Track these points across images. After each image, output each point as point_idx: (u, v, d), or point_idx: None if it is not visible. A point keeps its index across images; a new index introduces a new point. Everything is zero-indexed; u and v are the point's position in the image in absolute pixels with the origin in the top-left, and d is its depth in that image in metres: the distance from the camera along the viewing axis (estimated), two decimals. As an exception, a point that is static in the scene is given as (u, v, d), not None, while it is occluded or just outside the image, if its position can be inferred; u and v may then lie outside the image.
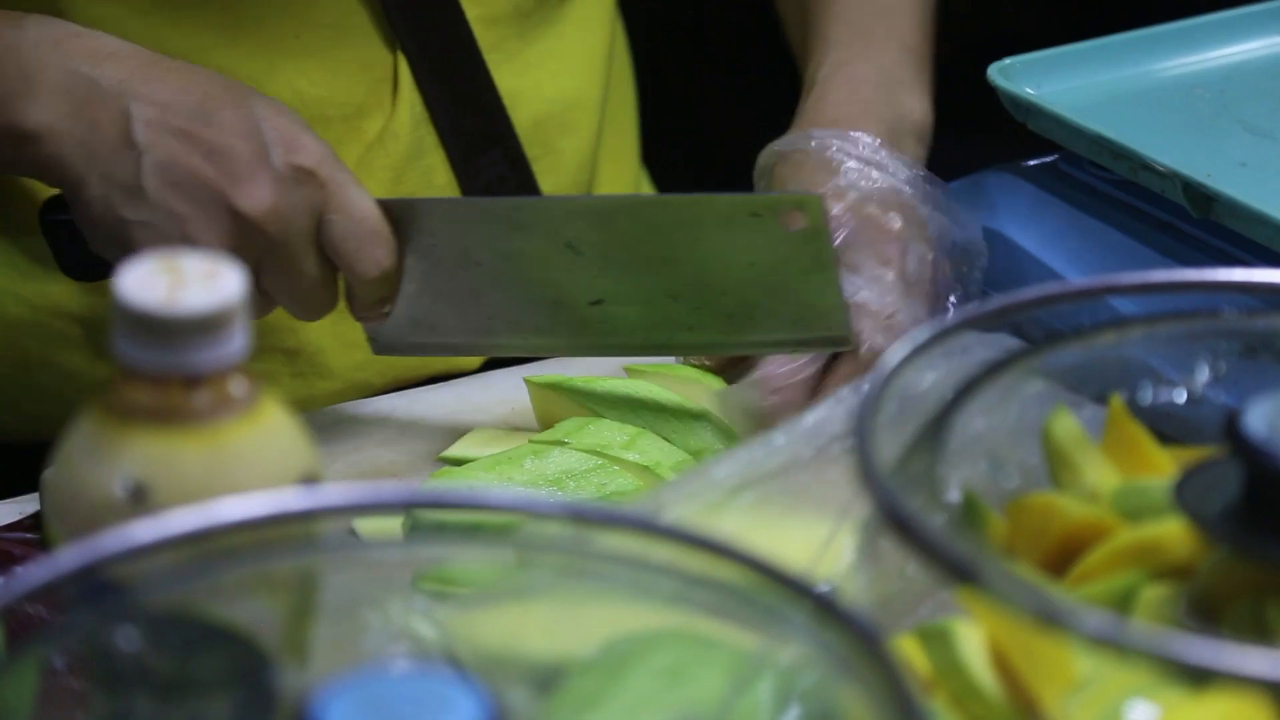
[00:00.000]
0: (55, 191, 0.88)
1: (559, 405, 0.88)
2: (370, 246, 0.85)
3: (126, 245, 0.84)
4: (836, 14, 0.97)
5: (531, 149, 0.99)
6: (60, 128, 0.83)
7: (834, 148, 0.90)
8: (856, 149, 0.90)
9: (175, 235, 0.83)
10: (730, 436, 0.88)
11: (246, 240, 0.83)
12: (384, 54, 0.95)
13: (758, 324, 0.88)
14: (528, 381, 0.89)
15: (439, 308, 0.89)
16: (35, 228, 0.90)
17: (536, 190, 0.99)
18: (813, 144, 0.91)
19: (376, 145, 0.96)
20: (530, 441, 0.87)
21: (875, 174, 0.90)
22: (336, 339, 0.98)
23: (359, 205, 0.85)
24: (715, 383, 0.90)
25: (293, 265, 0.84)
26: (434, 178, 0.98)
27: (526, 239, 0.87)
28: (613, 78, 1.06)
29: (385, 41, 0.95)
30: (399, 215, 0.87)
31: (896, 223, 0.89)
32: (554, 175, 1.01)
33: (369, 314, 0.89)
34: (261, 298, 0.86)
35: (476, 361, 1.00)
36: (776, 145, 0.92)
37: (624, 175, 1.08)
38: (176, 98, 0.84)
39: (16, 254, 0.97)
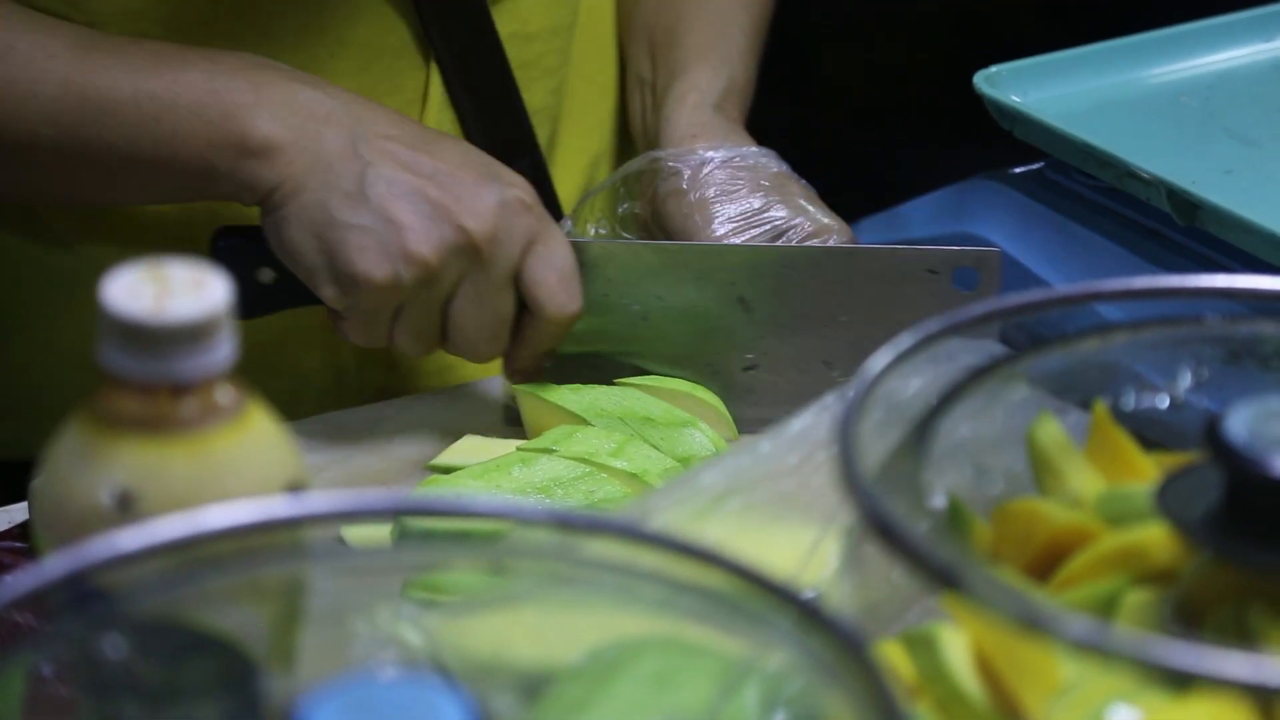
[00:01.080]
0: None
1: (547, 414, 0.89)
2: (567, 285, 0.88)
3: (334, 250, 0.85)
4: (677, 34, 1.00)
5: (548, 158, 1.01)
6: (287, 137, 0.85)
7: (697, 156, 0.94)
8: (698, 157, 0.94)
9: (390, 242, 0.85)
10: (719, 444, 0.88)
11: (459, 257, 0.85)
12: (416, 72, 0.96)
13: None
14: (516, 390, 0.90)
15: (585, 366, 0.91)
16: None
17: (557, 203, 1.01)
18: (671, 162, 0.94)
19: None
20: (518, 450, 0.87)
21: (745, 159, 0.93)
22: (358, 357, 0.98)
23: (563, 244, 0.88)
24: (706, 394, 0.90)
25: (491, 292, 0.86)
26: None
27: (700, 290, 0.89)
28: (618, 86, 1.07)
29: (420, 60, 0.96)
30: (584, 258, 0.89)
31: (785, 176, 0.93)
32: (565, 181, 1.02)
33: (529, 366, 0.90)
34: (435, 332, 0.87)
35: (485, 373, 1.00)
36: (632, 165, 0.96)
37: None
38: (396, 128, 0.87)
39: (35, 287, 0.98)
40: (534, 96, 0.99)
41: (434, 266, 0.85)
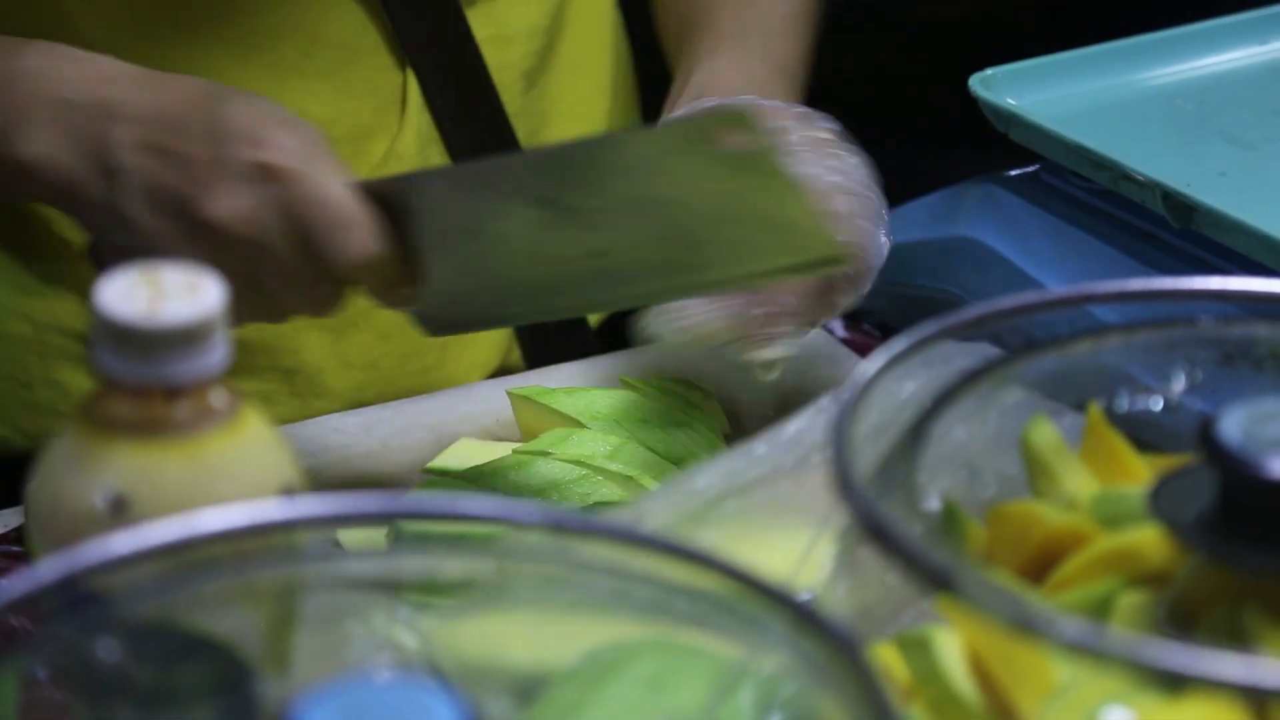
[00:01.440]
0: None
1: (542, 417, 0.89)
2: (343, 233, 0.81)
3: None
4: (713, 28, 0.98)
5: None
6: (55, 160, 0.83)
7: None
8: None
9: (163, 255, 0.81)
10: (715, 446, 0.88)
11: (227, 250, 0.81)
12: (393, 75, 0.95)
13: (752, 254, 0.86)
14: (510, 394, 0.90)
15: (459, 283, 0.87)
16: (38, 245, 0.90)
17: None
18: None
19: (381, 167, 0.96)
20: (514, 453, 0.87)
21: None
22: (336, 359, 0.98)
23: (327, 193, 0.81)
24: (700, 397, 0.90)
25: (282, 267, 0.81)
26: None
27: (510, 205, 0.85)
28: (617, 84, 1.06)
29: (395, 62, 0.95)
30: (389, 196, 0.83)
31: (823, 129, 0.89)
32: None
33: (392, 300, 0.86)
34: (271, 306, 0.84)
35: (469, 375, 1.00)
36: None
37: None
38: (154, 112, 0.83)
39: (19, 270, 0.97)
40: (513, 99, 0.99)
41: (213, 259, 0.77)
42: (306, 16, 0.93)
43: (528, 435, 0.89)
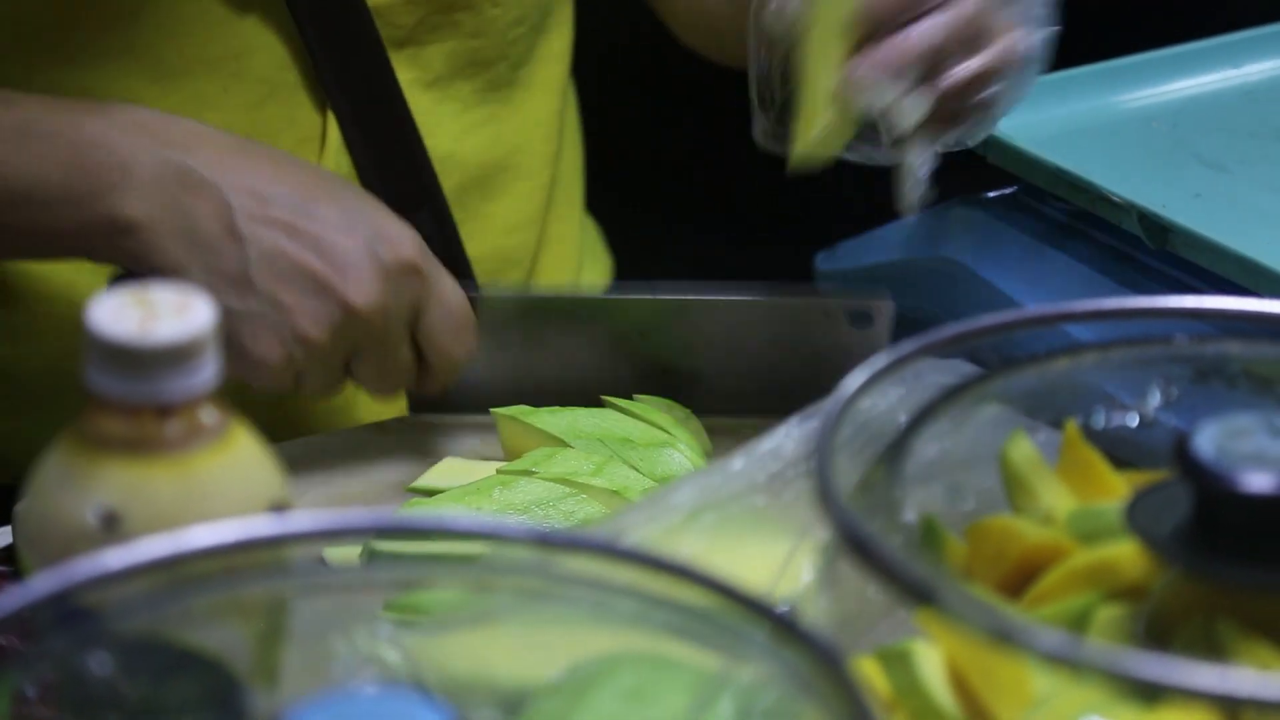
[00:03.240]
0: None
1: (526, 437, 0.89)
2: (463, 335, 0.88)
3: (227, 334, 0.83)
4: None
5: (459, 212, 1.00)
6: (158, 217, 0.84)
7: None
8: None
9: (281, 325, 0.85)
10: (697, 464, 0.89)
11: (351, 330, 0.86)
12: (313, 114, 0.95)
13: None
14: (495, 414, 0.91)
15: (494, 377, 0.92)
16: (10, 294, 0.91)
17: (462, 251, 1.00)
18: None
19: None
20: (498, 472, 0.87)
21: None
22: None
23: (454, 296, 0.88)
24: (682, 415, 0.91)
25: (389, 353, 0.87)
26: None
27: (592, 334, 0.90)
28: (564, 137, 1.07)
29: (315, 101, 0.95)
30: (476, 304, 0.90)
31: None
32: (481, 238, 1.01)
33: (434, 392, 0.91)
34: (339, 382, 0.88)
35: None
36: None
37: (569, 229, 1.09)
38: (274, 189, 0.86)
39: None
40: (439, 143, 0.99)
41: (325, 344, 0.85)
42: (228, 49, 0.93)
43: (512, 455, 0.90)
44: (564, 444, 0.88)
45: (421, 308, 0.87)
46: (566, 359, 0.92)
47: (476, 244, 1.01)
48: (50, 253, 0.89)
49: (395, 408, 0.96)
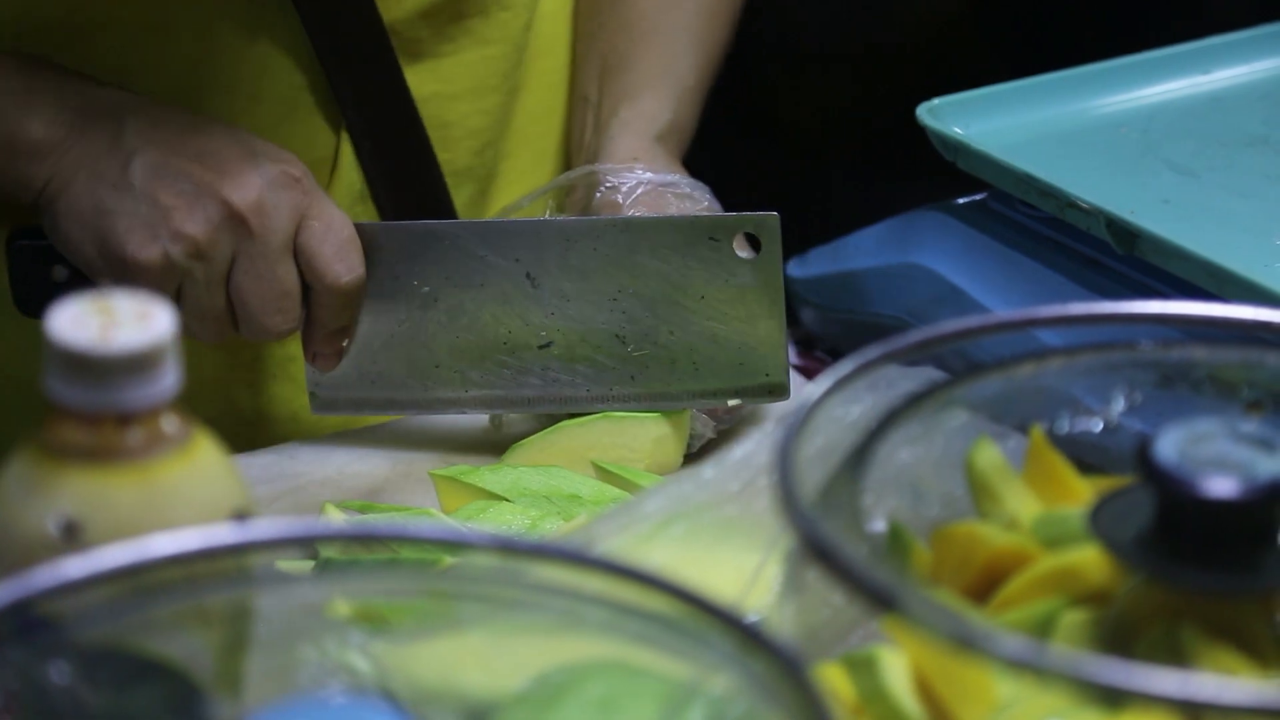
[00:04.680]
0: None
1: (465, 496, 0.87)
2: (345, 253, 0.88)
3: (103, 238, 0.86)
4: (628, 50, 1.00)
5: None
6: (58, 135, 0.86)
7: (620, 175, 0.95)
8: (635, 176, 0.94)
9: (156, 220, 0.85)
10: None
11: (229, 232, 0.86)
12: (327, 133, 0.96)
13: (699, 372, 0.89)
14: (432, 475, 0.88)
15: (387, 355, 0.90)
16: None
17: None
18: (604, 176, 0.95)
19: None
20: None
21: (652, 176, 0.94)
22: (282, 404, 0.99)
23: (337, 215, 0.88)
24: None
25: (266, 265, 0.87)
26: None
27: (487, 268, 0.89)
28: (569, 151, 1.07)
29: (329, 122, 0.96)
30: (365, 240, 0.89)
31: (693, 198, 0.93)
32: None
33: (326, 347, 0.90)
34: (221, 310, 0.87)
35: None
36: (570, 175, 0.96)
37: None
38: (165, 114, 0.88)
39: None
40: (456, 157, 0.99)
41: (202, 243, 0.86)
42: (243, 72, 0.93)
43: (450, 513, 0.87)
44: (502, 499, 0.86)
45: (305, 222, 0.87)
46: (467, 311, 0.90)
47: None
48: None
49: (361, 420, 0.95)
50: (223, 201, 0.86)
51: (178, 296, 0.87)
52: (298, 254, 0.88)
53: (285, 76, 0.94)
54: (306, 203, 0.87)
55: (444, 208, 0.99)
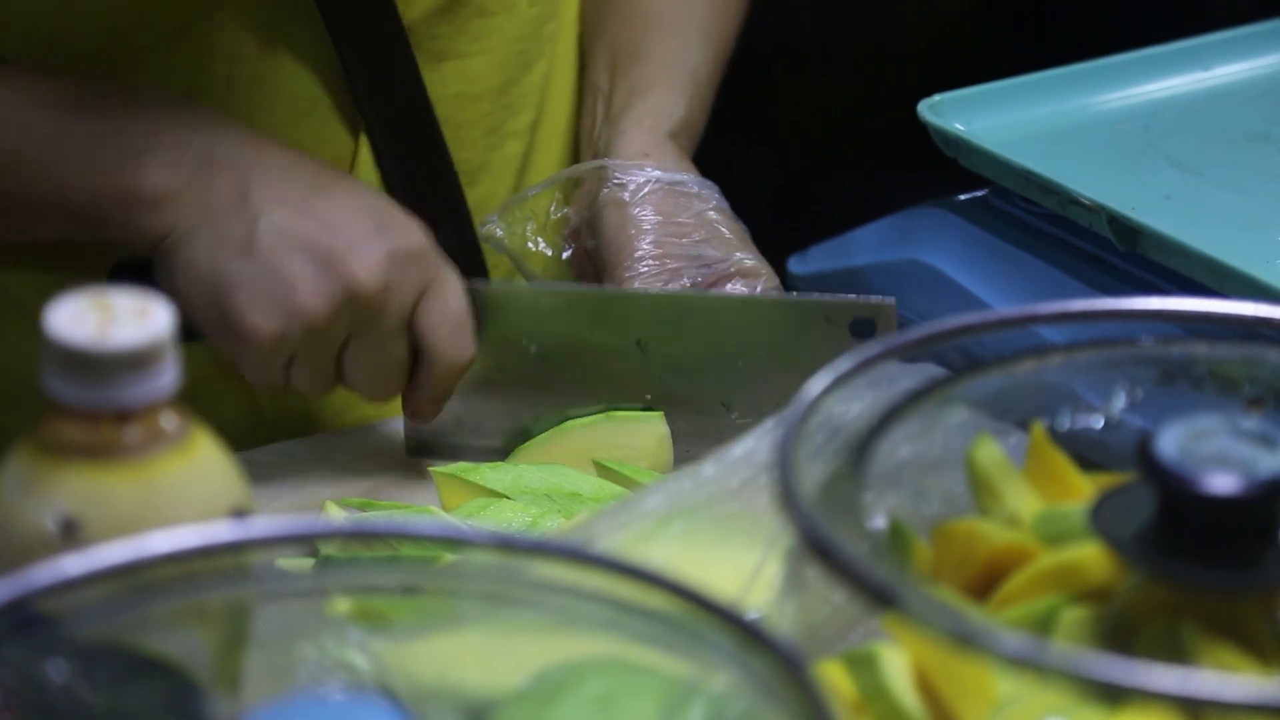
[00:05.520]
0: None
1: (467, 494, 0.87)
2: (461, 335, 0.88)
3: (222, 303, 0.85)
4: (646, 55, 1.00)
5: (479, 215, 1.00)
6: (178, 187, 0.85)
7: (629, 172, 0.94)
8: (645, 174, 0.94)
9: (279, 294, 0.84)
10: None
11: (349, 310, 0.85)
12: (344, 134, 0.96)
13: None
14: (433, 472, 0.88)
15: (486, 406, 0.91)
16: None
17: (483, 265, 1.00)
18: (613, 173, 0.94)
19: None
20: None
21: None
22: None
23: (456, 290, 0.88)
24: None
25: (383, 342, 0.87)
26: None
27: (597, 333, 0.89)
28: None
29: (347, 123, 0.96)
30: (476, 303, 0.89)
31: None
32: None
33: (429, 410, 0.90)
34: (330, 375, 0.87)
35: None
36: (580, 168, 0.96)
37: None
38: (291, 172, 0.86)
39: None
40: (473, 155, 0.99)
41: (323, 320, 0.85)
42: (262, 70, 0.93)
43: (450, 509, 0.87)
44: (503, 496, 0.86)
45: (424, 297, 0.87)
46: (559, 363, 0.91)
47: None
48: (63, 228, 0.89)
49: (356, 415, 0.95)
50: (348, 280, 0.84)
51: (288, 359, 0.87)
52: (412, 328, 0.87)
53: (305, 76, 0.94)
54: (427, 279, 0.87)
55: (456, 209, 0.98)
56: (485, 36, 0.98)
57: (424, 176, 0.97)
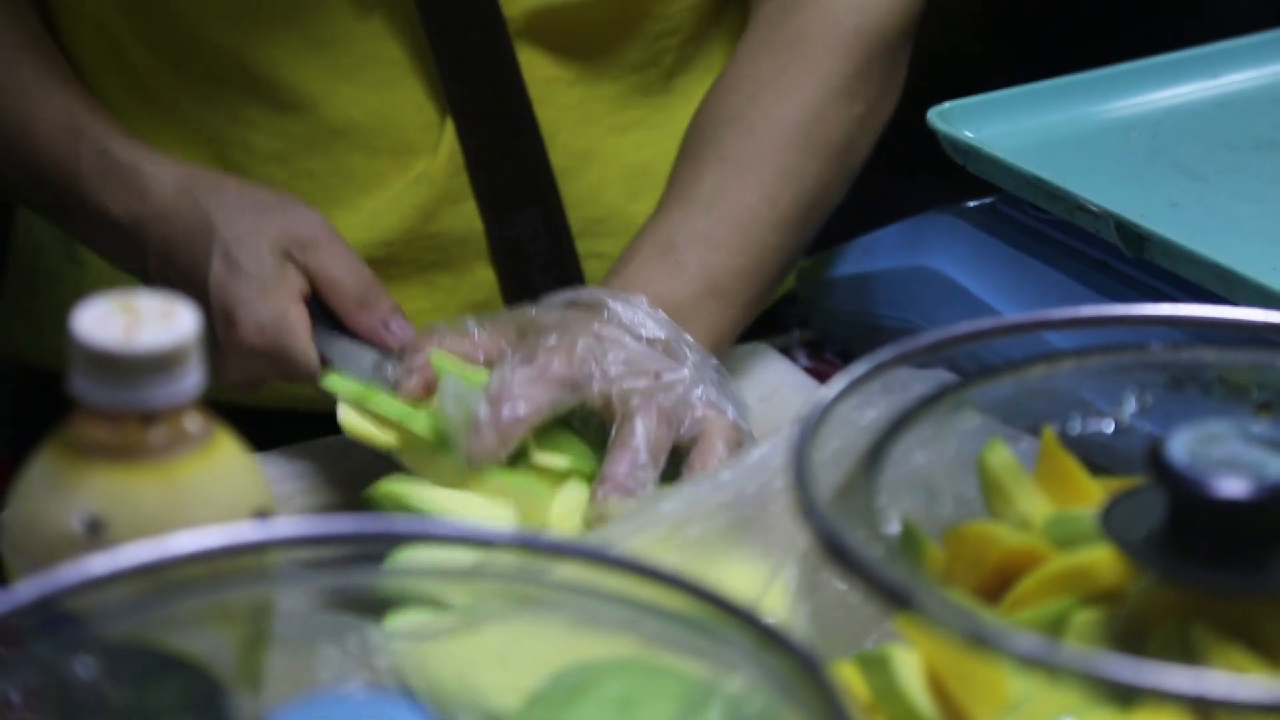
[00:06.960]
0: None
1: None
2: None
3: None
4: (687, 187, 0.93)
5: (595, 208, 1.00)
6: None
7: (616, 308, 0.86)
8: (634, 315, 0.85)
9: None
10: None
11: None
12: (431, 110, 0.97)
13: None
14: (373, 492, 0.84)
15: None
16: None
17: (572, 250, 0.98)
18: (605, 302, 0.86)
19: (413, 184, 0.98)
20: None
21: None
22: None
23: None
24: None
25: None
26: (460, 223, 0.99)
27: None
28: None
29: (434, 98, 0.97)
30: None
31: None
32: (625, 234, 0.95)
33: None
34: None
35: None
36: (566, 294, 0.87)
37: None
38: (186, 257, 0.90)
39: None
40: (577, 140, 0.99)
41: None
42: (361, 29, 0.95)
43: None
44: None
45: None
46: None
47: (619, 240, 0.97)
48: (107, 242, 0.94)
49: None
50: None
51: None
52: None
53: (395, 42, 0.95)
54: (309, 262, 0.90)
55: (544, 194, 0.97)
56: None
57: (504, 156, 0.97)
